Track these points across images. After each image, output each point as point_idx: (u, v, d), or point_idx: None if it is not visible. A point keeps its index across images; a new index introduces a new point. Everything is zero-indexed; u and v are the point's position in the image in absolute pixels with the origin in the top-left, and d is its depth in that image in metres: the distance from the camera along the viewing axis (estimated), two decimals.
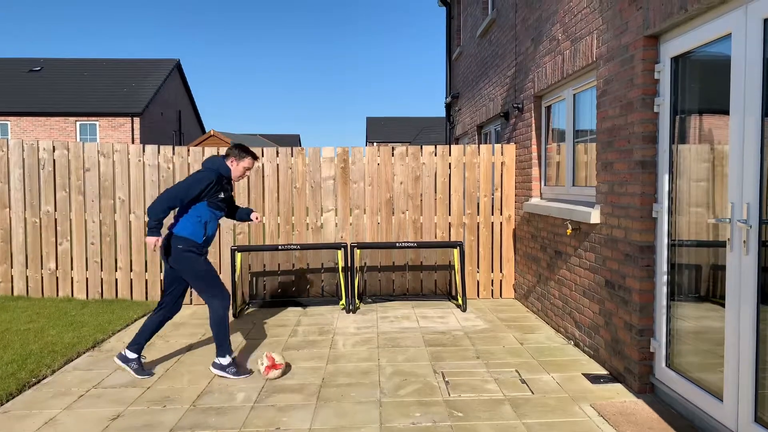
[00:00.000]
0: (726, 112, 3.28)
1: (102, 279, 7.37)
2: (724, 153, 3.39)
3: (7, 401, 4.13)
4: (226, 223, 7.31)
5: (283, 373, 4.62)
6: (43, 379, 4.60)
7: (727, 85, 3.25)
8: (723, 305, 3.32)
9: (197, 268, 4.59)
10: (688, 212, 3.78)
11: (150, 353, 5.25)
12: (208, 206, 4.61)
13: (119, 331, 6.00)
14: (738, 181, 3.17)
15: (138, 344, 4.64)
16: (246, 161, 4.78)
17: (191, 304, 7.33)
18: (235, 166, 4.76)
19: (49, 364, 4.82)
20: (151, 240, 4.47)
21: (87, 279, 7.38)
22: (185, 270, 4.58)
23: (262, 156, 7.35)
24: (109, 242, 7.34)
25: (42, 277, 7.39)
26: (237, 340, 5.67)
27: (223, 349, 4.61)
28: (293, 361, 5.02)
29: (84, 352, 5.28)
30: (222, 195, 4.68)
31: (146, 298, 7.36)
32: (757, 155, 3.02)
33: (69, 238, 7.37)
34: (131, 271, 7.37)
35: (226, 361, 4.59)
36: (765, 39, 2.98)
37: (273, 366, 4.51)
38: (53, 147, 7.36)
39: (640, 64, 4.04)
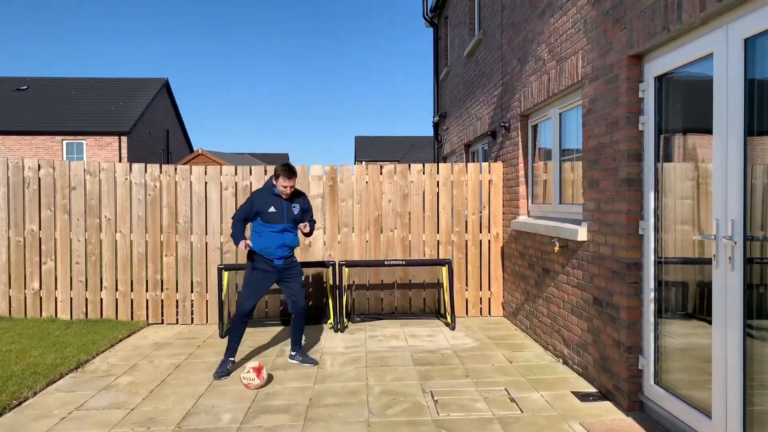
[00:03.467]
0: (709, 131, 3.32)
1: (87, 299, 7.27)
2: (708, 170, 3.43)
3: None
4: (213, 241, 7.26)
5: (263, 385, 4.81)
6: (25, 401, 4.51)
7: (710, 104, 3.30)
8: (710, 322, 3.33)
9: (246, 274, 5.38)
10: (674, 229, 3.81)
11: (134, 374, 5.17)
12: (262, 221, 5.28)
13: (104, 351, 5.90)
14: (722, 198, 3.20)
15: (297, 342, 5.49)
16: (280, 180, 5.23)
17: (177, 323, 7.25)
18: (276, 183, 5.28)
19: (30, 386, 4.72)
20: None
21: (71, 299, 7.28)
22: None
23: (251, 175, 7.34)
24: (94, 261, 7.26)
25: (25, 297, 7.28)
26: None
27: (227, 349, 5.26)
28: (281, 381, 4.97)
29: (67, 374, 5.19)
30: (272, 209, 5.25)
31: (131, 317, 7.27)
32: (740, 173, 3.06)
33: (53, 257, 7.28)
34: (117, 290, 7.28)
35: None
36: (746, 59, 3.04)
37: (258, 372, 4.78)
38: (38, 165, 7.30)
39: (625, 83, 4.10)
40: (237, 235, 5.27)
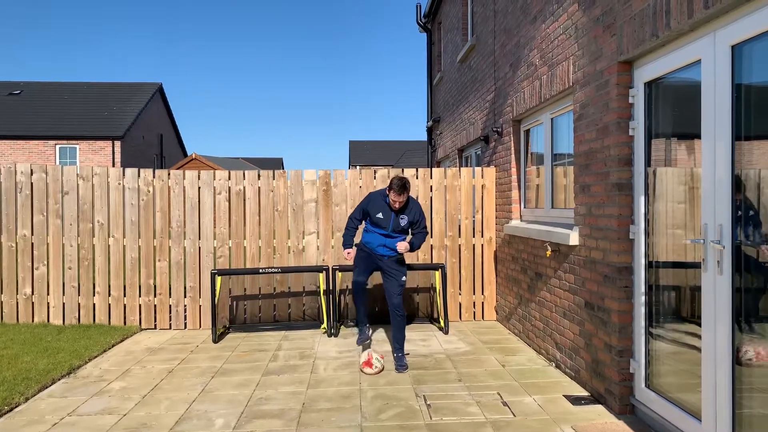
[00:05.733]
0: (698, 135, 3.36)
1: (79, 304, 7.25)
2: (697, 175, 3.47)
3: None
4: (206, 246, 7.26)
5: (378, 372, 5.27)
6: (16, 407, 4.49)
7: (699, 109, 3.33)
8: (700, 325, 3.36)
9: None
10: (665, 233, 3.84)
11: (126, 380, 5.16)
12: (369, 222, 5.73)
13: (96, 356, 5.88)
14: (711, 202, 3.23)
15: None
16: (391, 193, 5.43)
17: (170, 328, 7.23)
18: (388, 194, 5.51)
19: (22, 392, 4.70)
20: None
21: (64, 304, 7.25)
22: None
23: (244, 179, 7.34)
24: (87, 266, 7.24)
25: (17, 303, 7.25)
26: (215, 366, 5.60)
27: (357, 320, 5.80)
28: (273, 385, 4.97)
29: (59, 379, 5.17)
30: (380, 215, 5.60)
31: (124, 323, 7.25)
32: (729, 177, 3.09)
33: (46, 262, 7.26)
34: (109, 295, 7.27)
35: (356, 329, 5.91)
36: (733, 65, 3.08)
37: (368, 363, 5.26)
38: (31, 170, 7.28)
39: (615, 88, 4.14)
40: (346, 240, 5.77)
